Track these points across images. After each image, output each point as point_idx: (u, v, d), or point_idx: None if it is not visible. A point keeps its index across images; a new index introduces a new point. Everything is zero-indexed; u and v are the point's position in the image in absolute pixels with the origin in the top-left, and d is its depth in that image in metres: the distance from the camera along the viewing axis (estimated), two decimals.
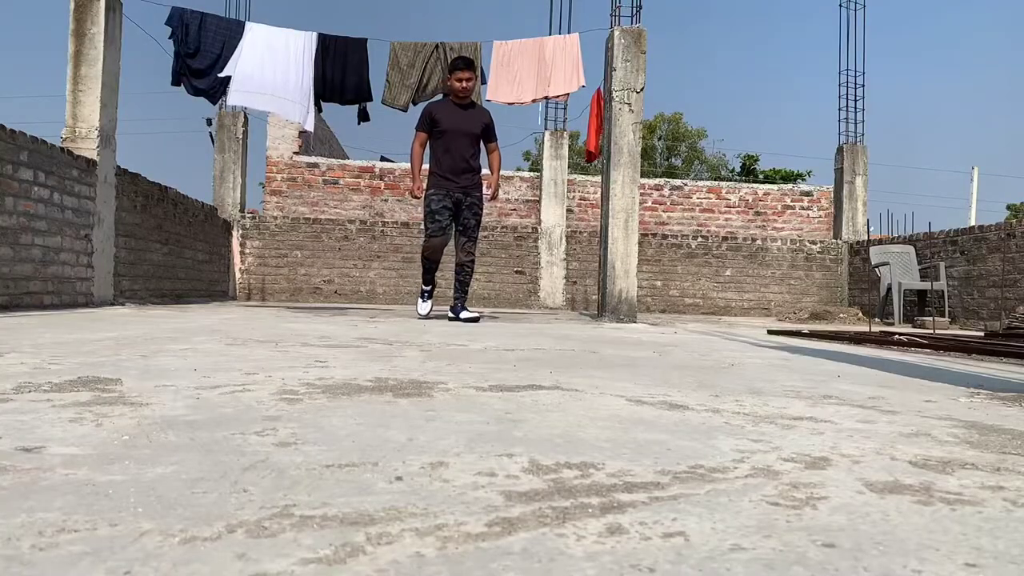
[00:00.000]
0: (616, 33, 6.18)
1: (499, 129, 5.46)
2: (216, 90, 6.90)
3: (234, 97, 6.89)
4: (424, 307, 5.39)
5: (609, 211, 6.19)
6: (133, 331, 3.11)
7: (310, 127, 7.21)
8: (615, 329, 4.80)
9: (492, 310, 8.26)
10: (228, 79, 6.84)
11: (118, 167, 6.26)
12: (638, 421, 1.26)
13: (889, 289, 8.21)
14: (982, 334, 5.38)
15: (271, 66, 6.88)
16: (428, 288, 5.44)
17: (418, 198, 5.22)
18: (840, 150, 10.18)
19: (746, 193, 11.88)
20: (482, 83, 7.31)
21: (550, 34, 8.23)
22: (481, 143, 5.29)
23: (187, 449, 0.93)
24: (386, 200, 10.90)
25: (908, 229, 11.21)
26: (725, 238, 10.30)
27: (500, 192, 5.28)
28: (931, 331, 6.03)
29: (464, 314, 5.13)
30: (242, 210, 9.81)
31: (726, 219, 11.77)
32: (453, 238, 5.24)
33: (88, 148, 5.76)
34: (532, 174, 11.19)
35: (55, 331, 2.95)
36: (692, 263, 10.13)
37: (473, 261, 5.30)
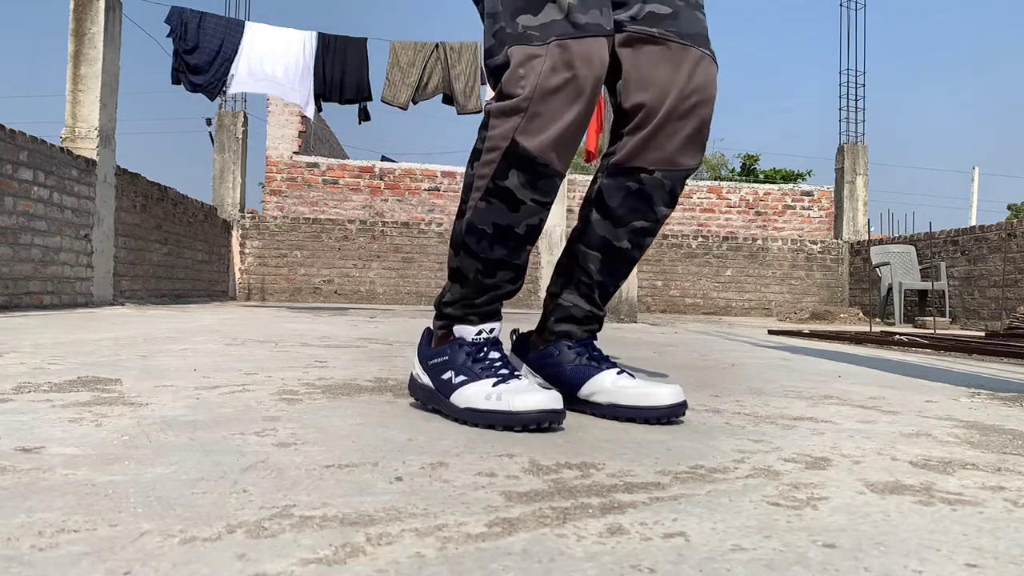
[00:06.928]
0: None
1: None
2: (214, 85, 6.91)
3: (235, 86, 6.90)
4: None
5: None
6: (133, 331, 3.11)
7: (310, 113, 7.22)
8: (615, 329, 4.79)
9: None
10: (227, 73, 6.85)
11: (118, 167, 6.26)
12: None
13: (890, 289, 8.20)
14: (983, 334, 5.37)
15: (271, 60, 6.89)
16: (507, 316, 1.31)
17: None
18: (840, 150, 10.18)
19: (746, 193, 11.88)
20: (482, 83, 7.31)
21: None
22: None
23: (187, 449, 0.93)
24: (386, 200, 10.90)
25: (909, 229, 11.21)
26: (725, 238, 10.30)
27: None
28: (932, 331, 6.02)
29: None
30: (242, 210, 9.81)
31: (726, 219, 11.77)
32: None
33: (88, 148, 5.76)
34: None
35: (54, 331, 2.95)
36: (692, 263, 10.13)
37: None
